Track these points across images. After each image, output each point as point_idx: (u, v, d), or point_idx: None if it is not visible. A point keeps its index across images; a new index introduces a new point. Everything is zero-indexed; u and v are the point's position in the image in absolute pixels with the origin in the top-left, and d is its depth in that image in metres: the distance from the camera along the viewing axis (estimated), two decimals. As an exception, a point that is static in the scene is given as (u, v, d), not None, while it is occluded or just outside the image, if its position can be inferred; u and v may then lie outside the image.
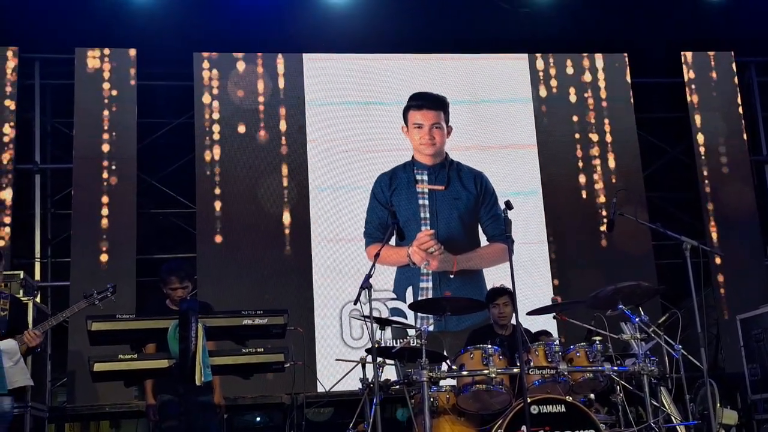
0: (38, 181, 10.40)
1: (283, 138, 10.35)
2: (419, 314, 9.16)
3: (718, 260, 10.73)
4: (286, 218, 10.13)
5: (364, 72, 10.71)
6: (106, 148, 10.01)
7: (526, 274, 9.82)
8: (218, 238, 9.98)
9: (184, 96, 10.46)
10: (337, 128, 10.45)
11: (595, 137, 10.94)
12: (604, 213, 10.62)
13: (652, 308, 8.98)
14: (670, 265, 10.03)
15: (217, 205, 10.05)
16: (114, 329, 5.39)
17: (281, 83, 10.50)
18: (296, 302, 9.63)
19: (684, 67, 11.38)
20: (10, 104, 9.98)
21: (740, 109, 11.38)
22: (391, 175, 10.32)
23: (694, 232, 10.01)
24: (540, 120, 10.86)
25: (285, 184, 10.23)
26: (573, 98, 11.02)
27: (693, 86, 11.34)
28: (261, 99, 10.43)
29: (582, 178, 10.80)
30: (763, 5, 10.85)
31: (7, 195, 9.75)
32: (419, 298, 9.78)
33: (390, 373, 7.20)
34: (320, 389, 8.87)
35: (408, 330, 8.49)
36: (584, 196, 10.77)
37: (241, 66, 10.47)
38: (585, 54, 11.18)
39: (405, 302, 9.84)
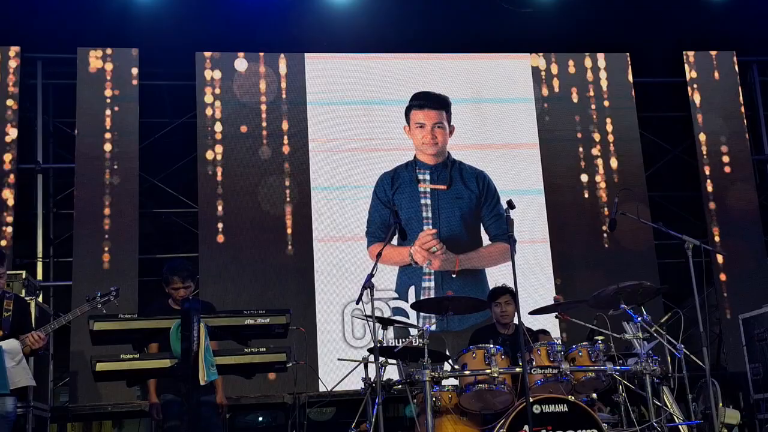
0: (40, 181, 10.40)
1: (285, 137, 10.35)
2: (421, 314, 9.18)
3: (720, 259, 10.73)
4: (288, 218, 10.14)
5: (365, 72, 10.71)
6: (108, 147, 10.01)
7: (528, 274, 9.83)
8: (220, 238, 9.98)
9: (186, 96, 10.47)
10: (339, 128, 10.46)
11: (597, 137, 10.94)
12: (606, 212, 10.62)
13: (655, 308, 8.98)
14: (672, 264, 10.05)
15: (219, 204, 10.05)
16: (116, 329, 5.39)
17: (283, 83, 10.50)
18: (298, 302, 9.64)
19: (686, 66, 11.38)
20: (13, 104, 9.99)
21: (742, 109, 11.38)
22: (393, 175, 10.32)
23: (696, 231, 10.00)
24: (542, 119, 10.85)
25: (287, 183, 10.23)
26: (575, 98, 11.02)
27: (695, 86, 11.33)
28: (263, 99, 10.43)
29: (584, 178, 10.80)
30: (765, 5, 10.85)
31: (10, 195, 9.76)
32: (421, 298, 9.78)
33: (392, 372, 7.20)
34: (322, 389, 8.87)
35: (410, 329, 8.50)
36: (586, 195, 10.77)
37: (243, 66, 10.47)
38: (587, 53, 11.17)
39: (407, 302, 9.85)
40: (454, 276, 10.04)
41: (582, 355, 6.66)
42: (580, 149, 10.88)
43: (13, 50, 10.12)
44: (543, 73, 11.01)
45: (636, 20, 10.93)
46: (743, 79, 11.62)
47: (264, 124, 10.36)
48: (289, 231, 10.11)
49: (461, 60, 10.93)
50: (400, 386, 6.77)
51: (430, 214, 10.20)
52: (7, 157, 9.85)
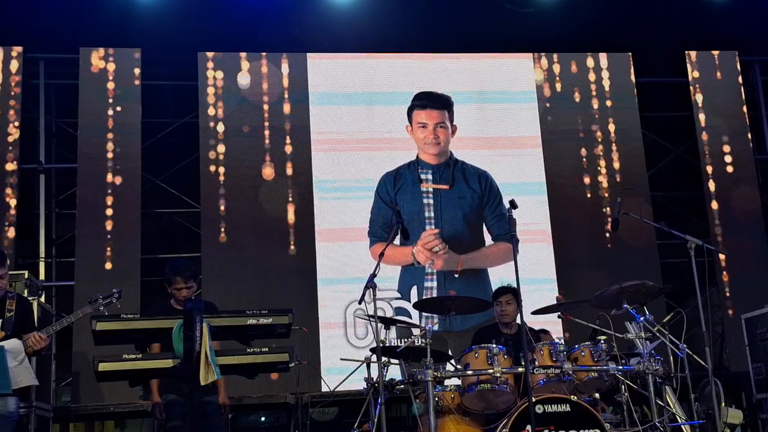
0: (43, 181, 10.41)
1: (288, 137, 10.36)
2: (424, 313, 9.17)
3: (722, 259, 10.72)
4: (291, 218, 10.14)
5: (368, 71, 10.71)
6: (110, 147, 10.02)
7: (531, 273, 9.82)
8: (223, 238, 9.99)
9: (189, 96, 10.48)
10: (342, 127, 10.46)
11: (599, 136, 10.94)
12: (608, 212, 10.61)
13: (657, 307, 8.99)
14: (675, 264, 10.05)
15: (222, 204, 10.06)
16: (119, 329, 5.39)
17: (285, 83, 10.50)
18: (301, 301, 9.63)
19: (688, 66, 11.37)
20: (15, 104, 9.99)
21: (744, 108, 11.38)
22: (396, 175, 10.32)
23: (698, 231, 9.98)
24: (544, 119, 10.85)
25: (289, 183, 10.24)
26: (577, 97, 11.02)
27: (697, 85, 11.33)
28: (265, 98, 10.44)
29: (586, 178, 10.80)
30: (767, 5, 10.84)
31: (12, 195, 9.76)
32: (424, 298, 9.77)
33: (395, 372, 7.19)
34: (325, 389, 8.85)
35: (413, 329, 8.49)
36: (588, 195, 10.77)
37: (245, 65, 10.48)
38: (589, 53, 11.17)
39: (410, 301, 9.85)
40: (456, 276, 10.04)
41: (584, 355, 6.66)
42: (583, 149, 10.88)
43: (16, 50, 10.13)
44: (545, 73, 11.01)
45: (638, 20, 10.92)
46: (745, 79, 11.62)
47: (266, 124, 10.36)
48: (291, 231, 10.11)
49: (464, 60, 10.93)
50: (402, 386, 6.77)
51: (432, 214, 10.20)
52: (10, 156, 9.87)
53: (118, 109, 10.13)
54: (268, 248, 10.05)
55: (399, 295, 9.97)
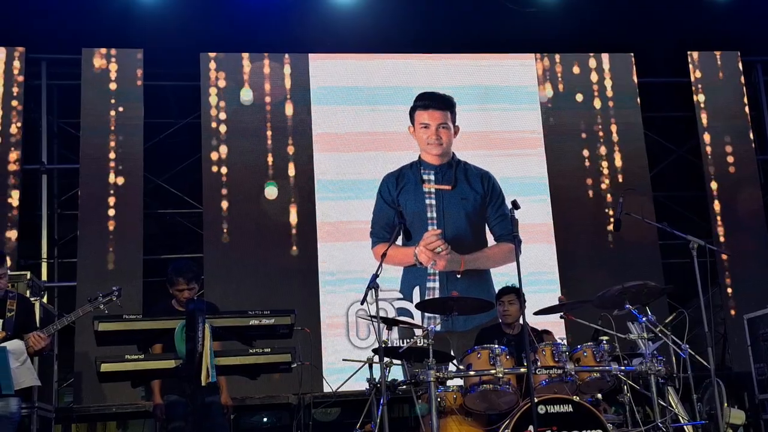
0: (45, 182, 10.42)
1: (290, 138, 10.36)
2: (426, 314, 9.14)
3: (725, 259, 10.72)
4: (293, 218, 10.14)
5: (370, 72, 10.71)
6: (112, 148, 10.02)
7: (533, 274, 9.81)
8: (225, 238, 9.99)
9: (191, 96, 10.48)
10: (344, 128, 10.45)
11: (601, 137, 10.94)
12: (610, 212, 10.59)
13: (659, 308, 8.99)
14: (677, 264, 10.04)
15: (224, 205, 10.06)
16: (121, 329, 5.40)
17: (287, 83, 10.50)
18: (303, 302, 9.62)
19: (690, 66, 11.37)
20: (17, 105, 9.99)
21: (746, 109, 11.37)
22: (398, 175, 10.31)
23: (700, 231, 9.99)
24: (547, 120, 10.85)
25: (291, 184, 10.24)
26: (579, 98, 11.02)
27: (699, 86, 11.33)
28: (267, 99, 10.44)
29: (588, 178, 10.80)
30: (769, 5, 10.86)
31: (14, 195, 9.77)
32: (426, 298, 9.77)
33: (397, 373, 7.19)
34: (327, 389, 8.83)
35: (415, 330, 8.49)
36: (591, 195, 10.76)
37: (247, 66, 10.48)
38: (591, 54, 11.17)
39: (412, 302, 9.84)
40: (458, 276, 10.03)
41: (587, 356, 6.66)
42: (585, 149, 10.88)
43: (18, 51, 10.13)
44: (547, 74, 11.01)
45: (640, 20, 10.92)
46: (747, 79, 11.62)
47: (269, 124, 10.36)
48: (293, 231, 10.11)
49: (466, 60, 10.92)
50: (404, 387, 6.77)
51: (434, 215, 10.19)
52: (12, 157, 9.86)
53: (121, 109, 10.14)
54: (271, 249, 10.05)
55: (401, 296, 9.96)
